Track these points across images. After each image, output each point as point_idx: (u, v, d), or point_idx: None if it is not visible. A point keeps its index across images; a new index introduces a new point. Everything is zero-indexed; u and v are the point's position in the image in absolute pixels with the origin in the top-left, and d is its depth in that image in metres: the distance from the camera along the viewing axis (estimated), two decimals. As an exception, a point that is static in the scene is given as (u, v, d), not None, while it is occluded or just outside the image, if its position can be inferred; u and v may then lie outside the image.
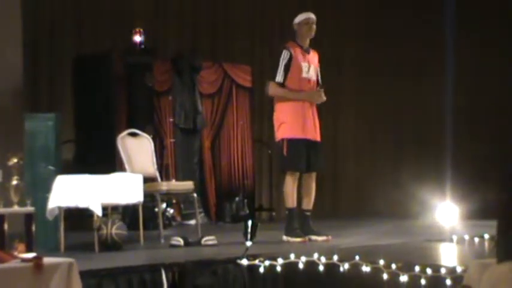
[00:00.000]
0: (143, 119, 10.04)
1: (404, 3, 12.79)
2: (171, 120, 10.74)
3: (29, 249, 5.51)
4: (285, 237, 7.76)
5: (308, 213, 7.92)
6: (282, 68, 7.83)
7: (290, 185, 7.80)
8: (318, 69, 8.09)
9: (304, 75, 7.89)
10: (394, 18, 12.79)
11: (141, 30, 10.20)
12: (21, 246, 5.42)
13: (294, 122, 7.81)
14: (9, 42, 9.02)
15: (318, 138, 7.94)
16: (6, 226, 5.96)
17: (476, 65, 12.35)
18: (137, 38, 10.17)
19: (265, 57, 12.39)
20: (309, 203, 7.94)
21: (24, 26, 9.23)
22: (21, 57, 9.16)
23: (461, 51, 12.20)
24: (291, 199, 7.81)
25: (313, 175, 7.95)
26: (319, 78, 8.10)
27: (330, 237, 7.84)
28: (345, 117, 12.99)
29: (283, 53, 7.86)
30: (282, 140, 7.85)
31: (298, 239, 7.68)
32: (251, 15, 12.27)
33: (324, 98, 7.95)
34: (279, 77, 7.84)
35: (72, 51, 10.39)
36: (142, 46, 10.22)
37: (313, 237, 7.79)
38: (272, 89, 7.91)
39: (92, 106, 10.09)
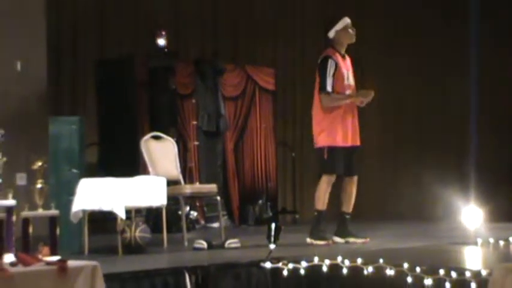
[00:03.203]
0: (166, 122, 10.06)
1: (427, 4, 12.74)
2: (195, 123, 10.75)
3: (53, 252, 5.54)
4: (308, 240, 7.76)
5: (348, 216, 7.95)
6: (331, 78, 7.79)
7: (324, 188, 7.83)
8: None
9: (346, 82, 7.91)
10: (417, 21, 12.73)
11: (164, 33, 10.22)
12: (46, 249, 5.45)
13: (332, 130, 7.81)
14: (34, 48, 9.07)
15: (358, 143, 7.97)
16: (30, 229, 5.98)
17: (501, 66, 12.27)
18: (160, 41, 10.20)
19: (289, 60, 12.38)
20: (349, 206, 7.97)
21: (47, 31, 9.29)
22: (45, 62, 9.22)
23: (486, 53, 12.13)
24: (321, 201, 7.83)
25: (355, 179, 7.99)
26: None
27: (368, 239, 7.85)
28: (368, 120, 12.94)
29: (328, 62, 7.80)
30: (323, 147, 7.85)
31: (322, 242, 7.69)
32: (273, 17, 12.25)
33: (373, 93, 7.88)
34: (329, 87, 7.79)
35: (95, 55, 10.44)
36: (165, 49, 10.24)
37: (352, 240, 7.82)
38: (328, 101, 7.81)
39: (115, 109, 10.12)
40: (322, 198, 7.82)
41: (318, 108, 7.92)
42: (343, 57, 7.98)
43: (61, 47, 10.19)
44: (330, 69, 7.80)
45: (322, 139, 7.87)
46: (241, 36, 11.92)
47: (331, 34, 7.99)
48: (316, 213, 7.88)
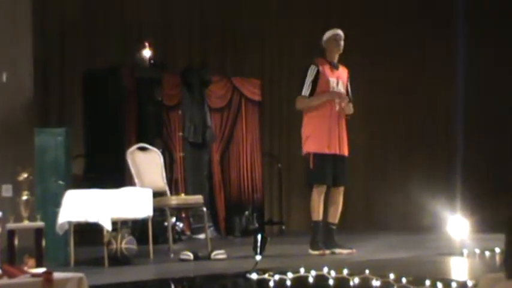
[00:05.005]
0: (153, 133, 10.05)
1: (413, 11, 12.79)
2: (181, 134, 10.74)
3: (38, 264, 5.52)
4: (310, 251, 7.79)
5: (333, 227, 7.99)
6: (309, 83, 7.88)
7: (316, 198, 7.86)
8: (348, 85, 8.17)
9: (332, 89, 7.95)
10: (403, 28, 12.78)
11: (151, 44, 10.22)
12: (31, 261, 5.43)
13: (319, 136, 7.87)
14: (20, 58, 9.06)
15: (345, 153, 8.02)
16: (16, 241, 5.97)
17: (487, 77, 12.32)
18: (146, 53, 10.20)
19: (275, 71, 12.40)
20: (334, 217, 8.00)
21: (34, 42, 9.28)
22: (32, 72, 9.20)
23: (472, 64, 12.18)
24: (316, 212, 7.86)
25: (341, 189, 8.03)
26: (350, 93, 8.17)
27: (354, 250, 7.86)
28: (355, 129, 12.95)
29: (310, 68, 7.93)
30: (308, 153, 7.87)
31: (316, 252, 7.73)
32: (260, 29, 12.27)
33: (352, 110, 7.99)
34: (306, 91, 7.90)
35: (82, 66, 10.42)
36: (152, 61, 10.23)
37: (338, 251, 7.83)
38: (299, 103, 7.96)
39: (101, 121, 10.10)
40: (316, 209, 7.84)
41: (305, 115, 7.98)
42: (334, 66, 8.04)
43: (48, 57, 10.17)
44: (310, 76, 7.90)
45: (307, 145, 7.92)
46: (228, 47, 11.94)
47: (322, 44, 8.10)
48: (312, 225, 7.90)
